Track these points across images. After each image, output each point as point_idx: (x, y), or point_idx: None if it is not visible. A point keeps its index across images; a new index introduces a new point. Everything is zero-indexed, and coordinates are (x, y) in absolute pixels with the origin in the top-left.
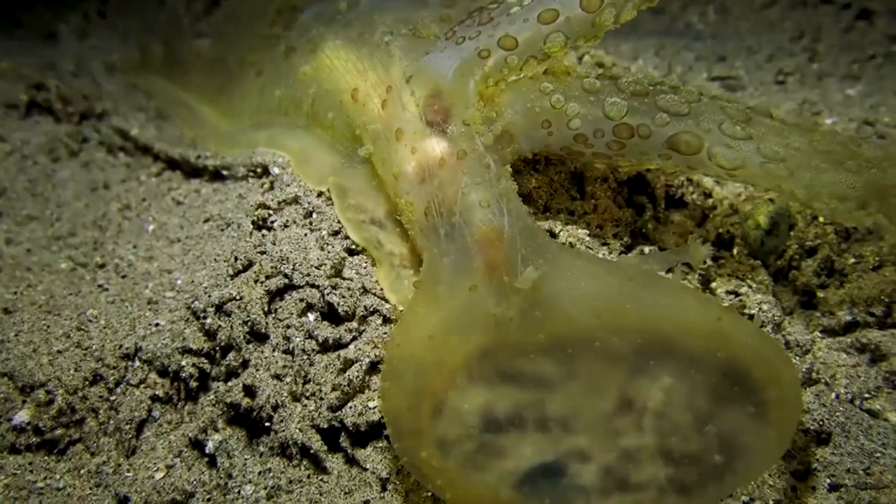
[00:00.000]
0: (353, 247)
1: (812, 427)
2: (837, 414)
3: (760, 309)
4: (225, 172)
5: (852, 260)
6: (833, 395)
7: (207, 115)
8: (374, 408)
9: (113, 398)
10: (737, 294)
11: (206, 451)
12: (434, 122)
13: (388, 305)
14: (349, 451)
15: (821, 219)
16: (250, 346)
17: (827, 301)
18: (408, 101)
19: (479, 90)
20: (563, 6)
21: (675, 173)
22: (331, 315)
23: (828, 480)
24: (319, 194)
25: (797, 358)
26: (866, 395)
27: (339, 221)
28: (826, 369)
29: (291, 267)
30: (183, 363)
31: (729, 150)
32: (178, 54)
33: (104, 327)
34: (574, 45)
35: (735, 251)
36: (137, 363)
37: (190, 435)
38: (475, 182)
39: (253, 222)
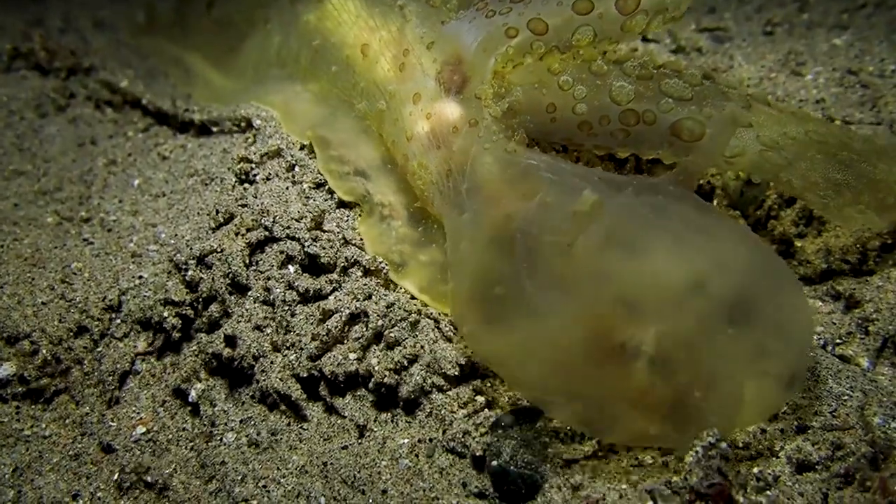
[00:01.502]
0: (343, 199)
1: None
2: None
3: None
4: (210, 126)
5: None
6: None
7: (210, 78)
8: (354, 359)
9: (98, 349)
10: None
11: (189, 400)
12: (450, 88)
13: (368, 257)
14: (328, 399)
15: None
16: (231, 297)
17: (804, 250)
18: (429, 66)
19: (496, 69)
20: (598, 0)
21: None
22: (311, 267)
23: (796, 423)
24: (302, 147)
25: None
26: (838, 341)
27: (321, 173)
28: None
29: (272, 220)
30: (165, 314)
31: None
32: (186, 16)
33: (88, 280)
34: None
35: (715, 202)
36: (121, 315)
37: (173, 384)
38: (486, 146)
39: (235, 175)
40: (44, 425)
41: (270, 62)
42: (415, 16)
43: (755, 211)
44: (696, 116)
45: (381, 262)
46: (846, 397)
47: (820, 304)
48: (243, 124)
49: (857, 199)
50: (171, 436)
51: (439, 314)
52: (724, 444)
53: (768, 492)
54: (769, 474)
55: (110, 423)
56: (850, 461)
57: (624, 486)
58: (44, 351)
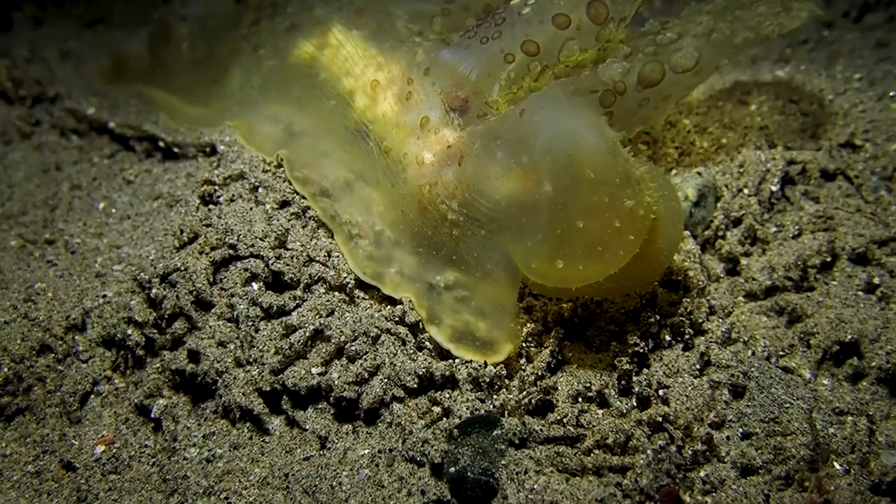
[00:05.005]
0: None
1: (729, 382)
2: (753, 370)
3: (687, 276)
4: (175, 149)
5: (773, 229)
6: (749, 353)
7: (183, 109)
8: (316, 373)
9: (60, 368)
10: None
11: (152, 416)
12: (454, 108)
13: (332, 273)
14: (290, 412)
15: (745, 191)
16: (195, 314)
17: (750, 268)
18: (430, 90)
19: (500, 97)
20: (570, 11)
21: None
22: (275, 284)
23: (741, 430)
24: (265, 169)
25: (720, 320)
26: (781, 353)
27: (285, 194)
28: (745, 331)
29: (236, 238)
30: (129, 332)
31: (682, 52)
32: (163, 58)
33: (52, 299)
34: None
35: None
36: (84, 333)
37: (136, 401)
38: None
39: (200, 197)
40: (4, 444)
41: (253, 85)
42: (424, 52)
43: (703, 231)
44: (647, 60)
45: (345, 278)
46: (788, 405)
47: (765, 318)
48: (208, 149)
49: (787, 5)
50: (133, 452)
51: (406, 333)
52: (673, 448)
53: (714, 494)
54: (715, 478)
55: (72, 441)
56: (790, 464)
57: (577, 492)
58: (5, 369)
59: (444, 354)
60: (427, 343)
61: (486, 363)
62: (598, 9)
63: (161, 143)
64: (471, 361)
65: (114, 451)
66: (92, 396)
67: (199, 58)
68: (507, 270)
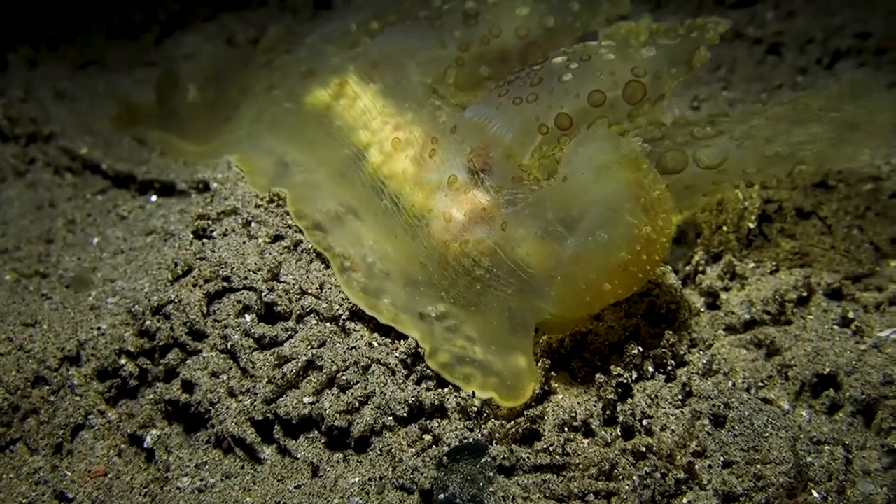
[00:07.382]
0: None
1: (710, 412)
2: (733, 400)
3: (669, 309)
4: (168, 186)
5: (752, 265)
6: (730, 384)
7: (188, 148)
8: (308, 402)
9: (55, 399)
10: (648, 295)
11: (144, 447)
12: (481, 168)
13: (324, 304)
14: (282, 441)
15: (724, 228)
16: (189, 345)
17: (729, 302)
18: (456, 149)
19: (531, 164)
20: (608, 90)
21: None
22: (267, 316)
23: (722, 458)
24: (258, 204)
25: (701, 352)
26: (760, 385)
27: (278, 228)
28: (726, 363)
29: (229, 271)
30: (123, 363)
31: (709, 149)
32: (173, 105)
33: (46, 331)
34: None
35: None
36: (79, 365)
37: (129, 432)
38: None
39: (193, 232)
40: None
41: (263, 121)
42: (448, 117)
43: (684, 267)
44: (673, 148)
45: (337, 309)
46: (767, 434)
47: (744, 351)
48: (201, 186)
49: (845, 137)
50: (125, 482)
51: (396, 363)
52: (658, 475)
53: None
54: None
55: (64, 472)
56: (769, 492)
57: None
58: None
59: (441, 385)
60: (428, 372)
61: (473, 393)
62: (636, 89)
63: (156, 185)
64: (459, 391)
65: (106, 481)
66: (85, 428)
67: (210, 101)
68: (524, 319)
